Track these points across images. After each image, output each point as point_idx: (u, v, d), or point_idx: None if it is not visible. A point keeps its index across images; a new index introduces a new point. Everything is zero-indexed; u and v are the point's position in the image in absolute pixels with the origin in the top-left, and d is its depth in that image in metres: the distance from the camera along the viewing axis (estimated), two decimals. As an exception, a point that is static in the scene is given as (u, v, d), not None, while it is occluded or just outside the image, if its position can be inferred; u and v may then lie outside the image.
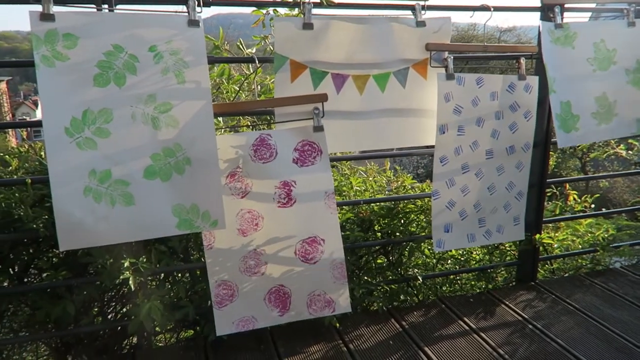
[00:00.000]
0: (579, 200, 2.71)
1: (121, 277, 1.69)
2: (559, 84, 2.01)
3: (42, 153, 1.89)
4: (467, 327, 2.07)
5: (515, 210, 2.18)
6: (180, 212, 1.58)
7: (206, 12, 1.66)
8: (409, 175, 2.58)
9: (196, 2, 1.60)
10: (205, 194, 1.61)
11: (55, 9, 1.45)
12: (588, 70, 2.08)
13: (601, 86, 2.10)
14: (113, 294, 2.12)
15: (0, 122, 10.43)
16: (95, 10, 1.57)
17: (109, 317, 2.11)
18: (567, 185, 2.83)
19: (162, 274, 2.01)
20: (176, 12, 1.61)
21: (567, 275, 2.67)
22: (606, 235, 2.66)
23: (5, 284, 1.86)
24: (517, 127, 2.06)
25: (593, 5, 2.20)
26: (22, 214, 1.68)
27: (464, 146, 1.98)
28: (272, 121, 2.09)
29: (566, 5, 2.10)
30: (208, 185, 1.61)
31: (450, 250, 2.55)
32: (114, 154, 1.50)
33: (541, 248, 2.54)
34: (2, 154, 1.88)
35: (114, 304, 2.15)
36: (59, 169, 1.44)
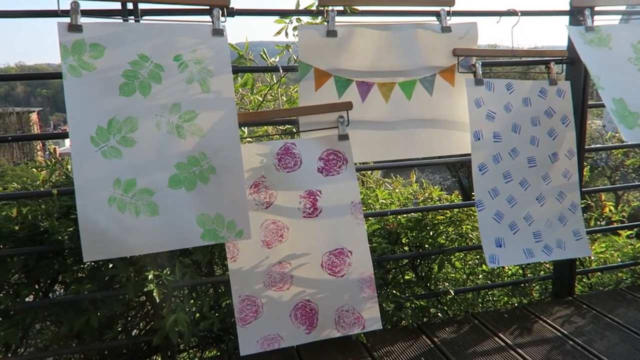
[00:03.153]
0: (615, 210, 2.60)
1: (145, 289, 1.67)
2: (606, 81, 1.92)
3: (69, 167, 1.90)
4: (502, 343, 1.97)
5: (573, 223, 2.04)
6: (205, 222, 1.56)
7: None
8: (436, 187, 2.51)
9: (220, 12, 1.60)
10: (230, 203, 1.58)
11: (83, 19, 1.47)
12: (633, 70, 1.99)
13: None
14: (137, 310, 2.10)
15: (30, 134, 10.72)
16: (121, 21, 1.59)
17: (133, 333, 2.09)
18: (603, 196, 2.72)
19: (186, 288, 1.98)
20: (201, 22, 1.62)
21: (606, 289, 2.54)
22: (647, 248, 2.53)
23: (31, 297, 1.86)
24: (557, 133, 1.98)
25: (623, 8, 2.14)
26: (48, 226, 1.68)
27: (503, 154, 1.90)
28: (296, 132, 2.07)
29: (596, 8, 2.05)
30: (233, 195, 1.58)
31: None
32: (138, 163, 1.49)
33: (578, 261, 2.43)
34: (30, 167, 1.90)
35: (138, 319, 2.12)
36: (84, 178, 1.43)
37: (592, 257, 2.54)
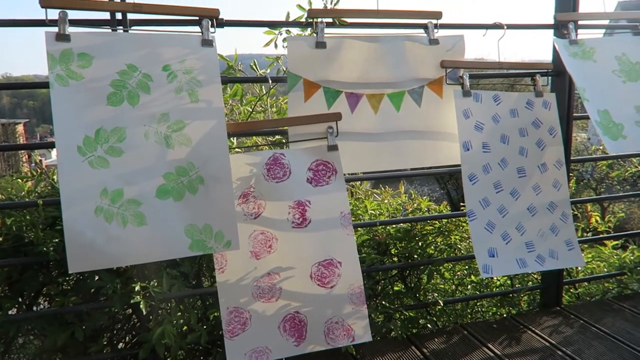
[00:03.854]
0: (602, 221, 2.63)
1: (131, 301, 1.64)
2: (591, 93, 1.96)
3: (55, 177, 1.87)
4: (492, 354, 1.97)
5: (565, 233, 2.05)
6: (193, 232, 1.54)
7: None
8: (424, 198, 2.52)
9: (210, 23, 1.61)
10: (218, 214, 1.57)
11: (71, 29, 1.46)
12: (617, 82, 2.03)
13: (638, 96, 2.04)
14: (123, 322, 2.06)
15: (16, 144, 10.38)
16: (110, 31, 1.59)
17: (119, 346, 2.05)
18: (589, 207, 2.75)
19: (174, 300, 1.95)
20: (191, 32, 1.62)
21: (593, 299, 2.56)
22: (632, 258, 2.56)
23: (14, 310, 1.82)
24: (544, 144, 2.01)
25: (607, 22, 2.19)
26: (32, 237, 1.66)
27: (492, 164, 1.92)
28: (286, 143, 2.07)
29: (580, 22, 2.09)
30: (221, 205, 1.57)
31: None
32: (126, 173, 1.47)
33: (565, 271, 2.44)
34: (16, 178, 1.87)
35: (124, 332, 2.08)
36: (70, 187, 1.41)
37: (579, 268, 2.56)
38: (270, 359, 1.71)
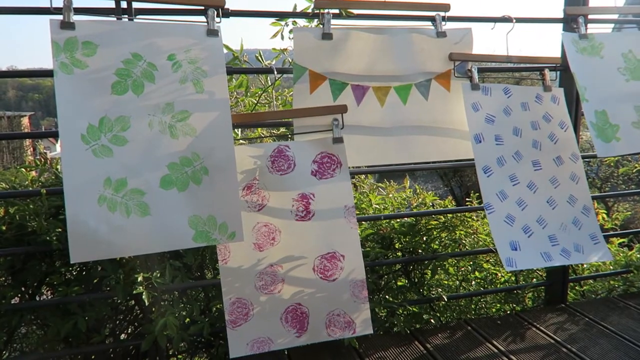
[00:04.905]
0: (607, 219, 2.60)
1: (134, 291, 1.64)
2: (591, 93, 1.94)
3: (58, 167, 1.87)
4: (496, 350, 1.96)
5: (588, 227, 2.02)
6: (197, 224, 1.53)
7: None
8: (429, 192, 2.50)
9: (215, 13, 1.59)
10: (222, 205, 1.56)
11: (75, 17, 1.45)
12: (621, 80, 2.01)
13: (638, 96, 2.02)
14: (126, 313, 2.06)
15: (19, 132, 10.22)
16: (115, 19, 1.57)
17: (121, 337, 2.05)
18: (595, 204, 2.72)
19: (177, 292, 1.95)
20: (196, 22, 1.61)
21: (598, 297, 2.54)
22: (639, 256, 2.54)
23: (16, 300, 1.82)
24: (557, 138, 1.98)
25: (616, 17, 2.16)
26: (36, 226, 1.65)
27: (506, 156, 1.89)
28: (290, 135, 2.06)
29: (590, 17, 2.06)
30: (226, 196, 1.56)
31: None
32: (130, 163, 1.46)
33: (570, 268, 2.42)
34: (19, 168, 1.87)
35: (126, 323, 2.08)
36: (73, 176, 1.40)
37: (585, 265, 2.54)
38: (271, 349, 1.71)
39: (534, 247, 1.89)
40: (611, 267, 2.57)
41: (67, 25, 1.43)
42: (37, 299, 1.91)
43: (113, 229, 1.44)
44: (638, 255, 2.53)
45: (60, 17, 1.44)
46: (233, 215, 1.57)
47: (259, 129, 2.33)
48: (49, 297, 1.92)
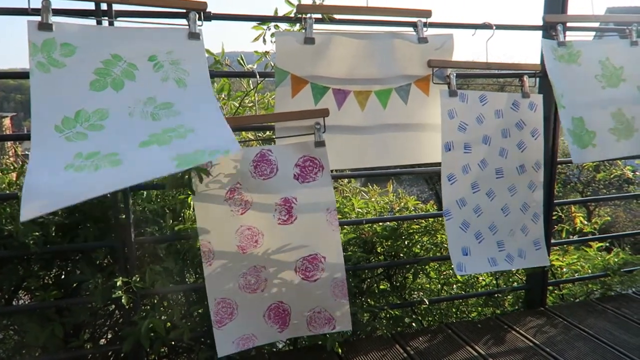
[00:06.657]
0: (586, 223, 2.65)
1: (113, 296, 1.62)
2: (568, 100, 1.97)
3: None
4: (475, 353, 1.97)
5: (534, 233, 2.08)
6: (182, 159, 1.29)
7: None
8: (412, 197, 2.52)
9: (197, 16, 1.59)
10: (211, 139, 1.36)
11: (54, 19, 1.43)
12: (597, 87, 2.04)
13: (615, 102, 2.06)
14: (105, 319, 2.03)
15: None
16: (95, 22, 1.56)
17: (101, 342, 2.02)
18: (573, 208, 2.77)
19: (157, 296, 1.93)
20: (177, 25, 1.59)
21: (577, 300, 2.57)
22: (617, 260, 2.58)
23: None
24: (526, 146, 2.01)
25: (596, 25, 2.20)
26: (12, 229, 1.62)
27: (472, 165, 1.92)
28: (273, 137, 2.05)
29: (568, 24, 2.10)
30: (212, 127, 1.40)
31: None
32: (105, 142, 1.34)
33: (550, 272, 2.46)
34: (-5, 170, 1.84)
35: (106, 328, 2.06)
36: (40, 155, 1.28)
37: (564, 269, 2.58)
38: (256, 344, 1.76)
39: (483, 253, 1.96)
40: (590, 271, 2.61)
41: (45, 26, 1.41)
42: (14, 303, 1.88)
43: (72, 179, 1.23)
44: (616, 260, 2.58)
45: (38, 18, 1.42)
46: (224, 137, 1.37)
47: (243, 132, 2.33)
48: (27, 302, 1.89)
